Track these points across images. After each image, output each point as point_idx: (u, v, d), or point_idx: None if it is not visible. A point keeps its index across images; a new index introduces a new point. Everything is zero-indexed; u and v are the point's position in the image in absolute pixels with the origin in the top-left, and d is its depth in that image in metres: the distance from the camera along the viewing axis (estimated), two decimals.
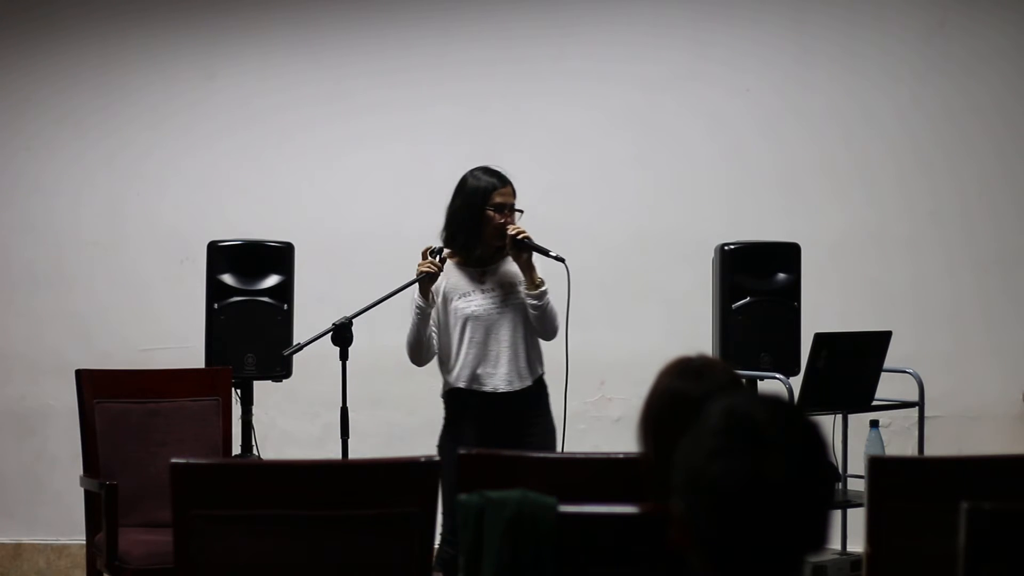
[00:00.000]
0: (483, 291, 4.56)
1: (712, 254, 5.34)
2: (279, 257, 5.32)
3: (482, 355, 4.53)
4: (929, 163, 6.17)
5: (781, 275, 5.34)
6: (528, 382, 4.58)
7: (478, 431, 4.50)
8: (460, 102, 6.27)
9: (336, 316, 4.51)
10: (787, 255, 5.37)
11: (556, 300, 4.57)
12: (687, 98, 6.23)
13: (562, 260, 4.45)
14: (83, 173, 6.36)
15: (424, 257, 4.51)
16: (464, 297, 4.55)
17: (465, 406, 4.55)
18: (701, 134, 6.23)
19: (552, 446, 4.59)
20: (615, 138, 6.25)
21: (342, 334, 4.46)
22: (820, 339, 4.95)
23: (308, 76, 6.33)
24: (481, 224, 4.53)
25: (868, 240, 6.15)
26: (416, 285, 4.50)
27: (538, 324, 4.56)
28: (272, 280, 5.28)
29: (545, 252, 4.48)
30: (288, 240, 5.39)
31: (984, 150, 6.16)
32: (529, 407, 4.59)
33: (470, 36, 6.31)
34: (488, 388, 4.52)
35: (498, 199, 4.53)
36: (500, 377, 4.53)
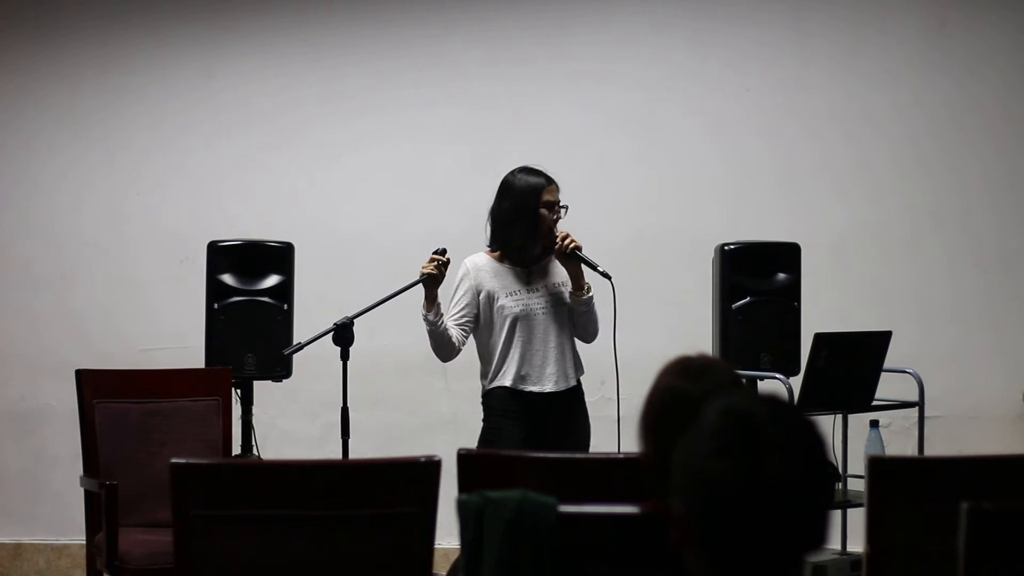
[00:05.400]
0: (530, 291, 4.59)
1: (712, 254, 5.34)
2: (279, 257, 5.31)
3: (529, 355, 4.56)
4: (929, 163, 6.17)
5: (781, 275, 5.34)
6: (573, 382, 4.63)
7: (523, 430, 4.52)
8: (460, 102, 6.27)
9: (336, 316, 4.51)
10: (787, 255, 5.37)
11: (603, 308, 4.63)
12: (687, 98, 6.23)
13: (608, 277, 4.50)
14: (83, 173, 6.36)
15: (433, 261, 4.51)
16: (511, 296, 4.56)
17: (511, 405, 4.55)
18: (701, 134, 6.23)
19: (588, 445, 4.66)
20: (615, 138, 6.25)
21: (343, 334, 4.46)
22: (820, 339, 4.95)
23: (308, 76, 6.33)
24: (535, 224, 4.54)
25: (868, 240, 6.15)
26: (423, 294, 4.50)
27: (582, 327, 4.62)
28: (272, 280, 5.28)
29: (593, 267, 4.53)
30: (288, 240, 5.39)
31: (985, 149, 6.16)
32: (572, 407, 4.64)
33: (470, 36, 6.31)
34: (535, 388, 4.55)
35: (548, 197, 4.57)
36: (547, 377, 4.56)
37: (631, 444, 5.98)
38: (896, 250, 6.15)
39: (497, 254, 4.63)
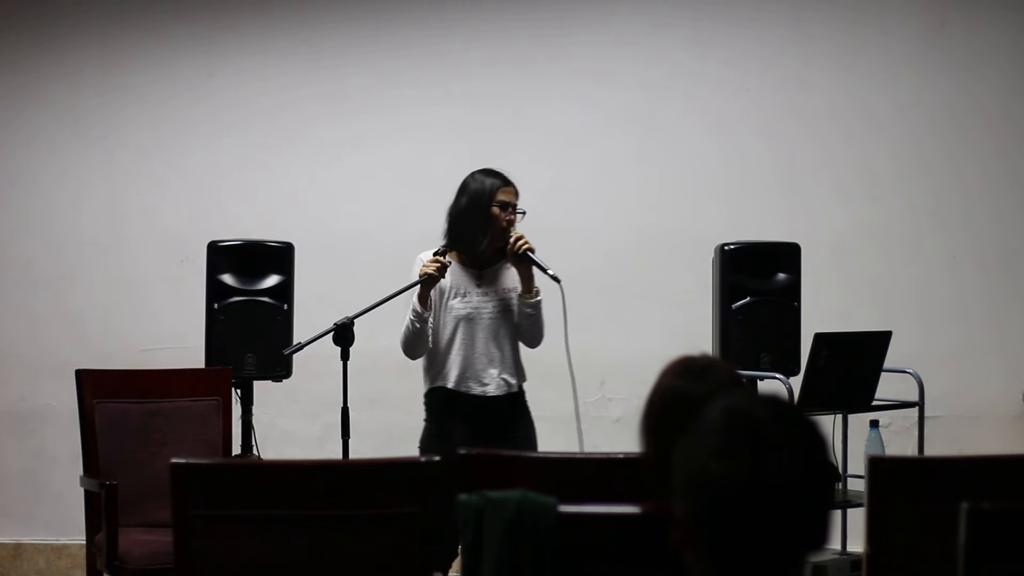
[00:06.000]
0: (479, 293, 4.61)
1: (712, 254, 5.34)
2: (279, 257, 5.32)
3: (473, 357, 4.58)
4: (930, 162, 6.17)
5: (781, 275, 5.34)
6: (515, 389, 4.64)
7: (465, 432, 4.52)
8: (461, 102, 6.27)
9: (336, 316, 4.52)
10: (787, 255, 5.37)
11: (548, 313, 4.63)
12: (687, 98, 6.23)
13: (558, 280, 4.50)
14: (83, 172, 6.36)
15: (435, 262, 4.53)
16: (461, 297, 4.59)
17: (452, 406, 4.57)
18: (701, 134, 6.23)
19: (535, 449, 4.64)
20: (615, 138, 6.25)
21: (343, 334, 4.47)
22: (820, 339, 4.95)
23: (308, 76, 6.33)
24: (487, 222, 4.56)
25: (869, 240, 6.15)
26: (417, 292, 4.52)
27: (527, 332, 4.63)
28: (272, 280, 5.28)
29: (544, 269, 4.54)
30: (288, 240, 5.39)
31: (985, 149, 6.16)
32: (514, 411, 4.65)
33: (471, 36, 6.31)
34: (478, 391, 4.57)
35: (502, 197, 4.59)
36: (490, 380, 4.58)
37: (593, 444, 5.98)
38: (896, 250, 6.15)
39: (454, 254, 4.65)
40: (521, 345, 4.68)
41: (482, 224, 4.57)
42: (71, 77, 6.38)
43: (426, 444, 4.60)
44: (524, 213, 4.63)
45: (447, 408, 4.57)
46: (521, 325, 4.61)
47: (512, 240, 4.54)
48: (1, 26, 6.40)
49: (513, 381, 4.62)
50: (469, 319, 4.57)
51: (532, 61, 6.28)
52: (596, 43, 6.26)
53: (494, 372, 4.58)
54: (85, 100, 6.38)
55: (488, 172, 4.65)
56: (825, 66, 6.21)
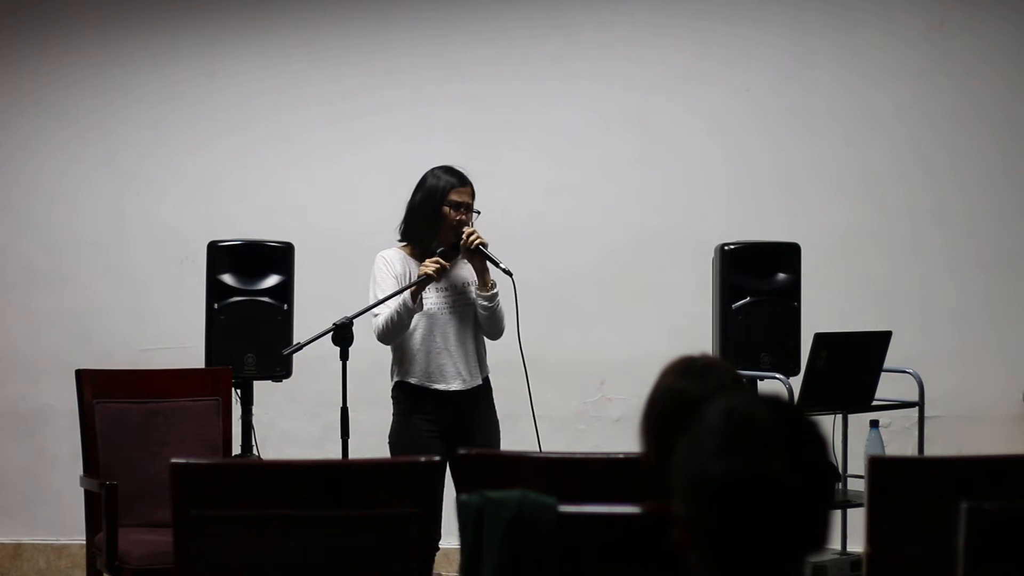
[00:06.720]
0: (437, 289, 4.65)
1: (712, 254, 5.34)
2: (279, 257, 5.32)
3: (434, 353, 4.62)
4: (930, 162, 6.17)
5: (781, 275, 5.35)
6: (478, 381, 4.69)
7: (431, 427, 4.59)
8: (460, 102, 6.27)
9: (336, 316, 4.52)
10: (787, 255, 5.37)
11: (505, 306, 4.68)
12: (687, 98, 6.23)
13: (510, 273, 4.56)
14: (82, 172, 6.35)
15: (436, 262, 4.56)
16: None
17: (418, 401, 4.62)
18: (701, 134, 6.23)
19: (498, 443, 4.70)
20: (615, 138, 6.25)
21: (342, 334, 4.47)
22: (820, 339, 4.95)
23: (308, 76, 6.33)
24: (438, 220, 4.60)
25: (869, 240, 6.15)
26: (413, 289, 4.54)
27: (487, 324, 4.68)
28: (272, 280, 5.28)
29: (496, 263, 4.60)
30: (288, 240, 5.39)
31: (986, 149, 6.16)
32: (478, 405, 4.69)
33: (470, 36, 6.31)
34: (441, 386, 4.62)
35: (455, 197, 4.63)
36: (452, 375, 4.63)
37: (593, 444, 5.94)
38: (896, 250, 6.15)
39: (408, 249, 4.70)
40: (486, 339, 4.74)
41: (432, 222, 4.62)
42: (71, 77, 6.38)
43: (394, 439, 4.68)
44: (479, 213, 4.67)
45: (413, 403, 4.63)
46: (480, 318, 4.66)
47: (464, 235, 4.56)
48: (1, 26, 6.40)
49: (476, 375, 4.67)
50: (430, 315, 4.61)
51: (532, 61, 6.28)
52: (596, 43, 6.26)
53: (457, 367, 4.63)
54: (85, 100, 6.37)
55: (447, 170, 4.69)
56: (825, 66, 6.20)
